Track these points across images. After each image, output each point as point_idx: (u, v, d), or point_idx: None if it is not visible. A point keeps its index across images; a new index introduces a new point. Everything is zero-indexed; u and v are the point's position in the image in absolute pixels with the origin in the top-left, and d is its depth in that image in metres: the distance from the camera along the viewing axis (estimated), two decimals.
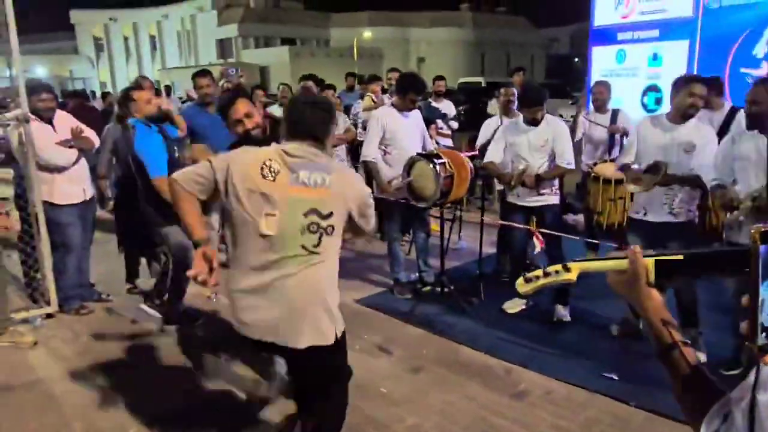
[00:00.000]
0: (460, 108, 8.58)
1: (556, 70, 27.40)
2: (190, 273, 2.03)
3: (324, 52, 45.83)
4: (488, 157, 4.44)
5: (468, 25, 52.81)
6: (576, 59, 31.47)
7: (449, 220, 5.19)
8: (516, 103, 5.19)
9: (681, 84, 3.53)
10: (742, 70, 5.57)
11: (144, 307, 4.47)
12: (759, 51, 5.44)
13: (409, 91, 4.60)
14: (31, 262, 4.62)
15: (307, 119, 2.21)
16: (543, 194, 4.26)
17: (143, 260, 5.09)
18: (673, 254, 0.99)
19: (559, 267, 1.11)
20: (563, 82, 23.14)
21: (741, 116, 4.86)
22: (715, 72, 5.22)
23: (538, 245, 3.99)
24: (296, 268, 2.11)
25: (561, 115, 7.39)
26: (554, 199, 4.31)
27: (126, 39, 52.08)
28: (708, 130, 3.62)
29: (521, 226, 4.36)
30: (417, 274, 5.03)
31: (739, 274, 0.90)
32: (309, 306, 2.15)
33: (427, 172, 4.26)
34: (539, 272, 1.14)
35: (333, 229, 2.15)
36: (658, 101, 6.10)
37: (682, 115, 3.52)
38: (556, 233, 4.17)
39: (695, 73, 5.78)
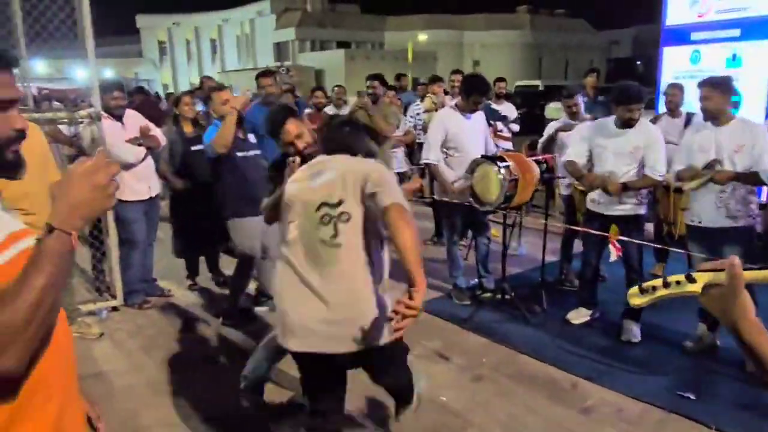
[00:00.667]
0: (519, 112, 8.36)
1: (617, 74, 26.47)
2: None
3: (378, 54, 45.99)
4: (570, 156, 4.15)
5: (525, 27, 51.90)
6: (638, 62, 30.35)
7: (510, 225, 5.04)
8: (582, 110, 4.98)
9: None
10: None
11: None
12: None
13: (474, 92, 4.49)
14: (99, 256, 4.78)
15: (336, 138, 2.42)
16: (627, 204, 3.94)
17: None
18: None
19: (681, 277, 1.00)
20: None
21: None
22: None
23: (614, 253, 3.77)
24: (323, 265, 2.15)
25: None
26: (640, 210, 3.99)
27: (188, 42, 53.82)
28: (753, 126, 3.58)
29: (595, 232, 4.07)
30: (476, 280, 4.90)
31: None
32: (347, 305, 2.15)
33: (490, 175, 4.13)
34: (658, 282, 1.03)
35: (348, 216, 2.16)
36: (736, 104, 5.75)
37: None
38: (637, 241, 3.89)
39: None
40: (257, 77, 5.09)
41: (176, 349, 3.98)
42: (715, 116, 3.53)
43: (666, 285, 1.02)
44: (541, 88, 23.32)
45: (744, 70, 5.73)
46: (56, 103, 8.12)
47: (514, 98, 16.65)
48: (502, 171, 4.04)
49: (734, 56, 5.81)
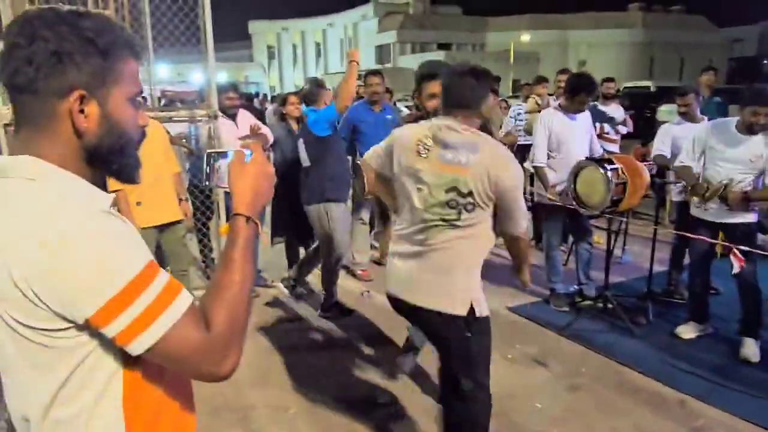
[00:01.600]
0: (627, 113, 7.95)
1: (741, 74, 24.45)
2: None
3: (479, 56, 45.51)
4: (681, 160, 3.94)
5: (637, 25, 49.24)
6: (765, 62, 27.86)
7: (614, 231, 4.81)
8: (696, 109, 4.65)
9: None
10: None
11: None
12: None
13: (580, 92, 4.34)
14: (208, 244, 5.13)
15: (457, 89, 2.28)
16: (734, 210, 3.66)
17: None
18: None
19: None
20: (749, 86, 20.59)
21: None
22: None
23: (737, 265, 3.49)
24: (437, 238, 2.25)
25: None
26: (751, 217, 3.69)
27: (294, 47, 56.16)
28: None
29: (709, 239, 3.81)
30: (576, 287, 4.73)
31: None
32: (444, 273, 2.25)
33: (596, 178, 3.97)
34: None
35: (473, 206, 2.20)
36: None
37: None
38: (756, 251, 3.57)
39: None
40: (365, 76, 5.23)
41: (276, 338, 4.17)
42: None
43: None
44: (652, 90, 21.99)
45: None
46: (179, 104, 8.79)
47: (623, 99, 15.90)
48: (609, 173, 3.87)
49: None
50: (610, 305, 4.31)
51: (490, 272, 5.26)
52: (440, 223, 2.23)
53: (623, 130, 6.75)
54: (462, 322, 2.24)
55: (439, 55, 44.22)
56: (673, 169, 4.23)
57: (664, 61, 46.81)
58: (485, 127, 2.50)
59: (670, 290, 4.76)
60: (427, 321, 2.35)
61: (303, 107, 4.58)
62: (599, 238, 5.20)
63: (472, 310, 2.24)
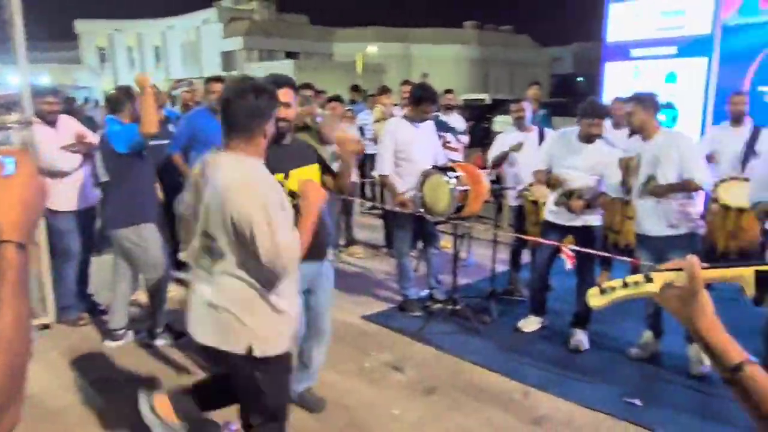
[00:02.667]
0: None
1: (561, 88, 27.48)
2: None
3: (328, 66, 46.04)
4: (534, 166, 4.26)
5: (472, 42, 53.13)
6: (580, 78, 31.54)
7: (460, 235, 5.05)
8: (528, 118, 5.06)
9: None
10: (760, 88, 5.47)
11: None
12: None
13: (423, 101, 4.48)
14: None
15: (234, 111, 2.04)
16: (587, 215, 3.97)
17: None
18: None
19: (640, 277, 1.00)
20: (568, 100, 23.14)
21: (765, 134, 4.80)
22: (733, 89, 5.11)
23: (568, 262, 3.80)
24: (208, 273, 2.13)
25: None
26: (596, 221, 4.06)
27: (130, 49, 52.30)
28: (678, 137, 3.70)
29: (547, 242, 4.13)
30: (427, 291, 4.88)
31: None
32: (218, 308, 2.10)
33: (441, 186, 4.12)
34: (617, 282, 1.03)
35: (222, 251, 2.05)
36: (675, 119, 6.00)
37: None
38: (591, 252, 3.94)
39: (713, 91, 5.70)
40: (206, 82, 4.96)
41: (112, 369, 3.75)
42: (641, 131, 3.65)
43: (625, 285, 1.02)
44: (488, 102, 23.78)
45: (680, 87, 5.98)
46: None
47: (462, 111, 16.98)
48: (453, 181, 4.04)
49: (671, 73, 6.05)
50: (458, 307, 4.50)
51: (344, 282, 5.32)
52: (205, 259, 2.13)
53: (465, 139, 7.17)
54: (241, 360, 2.11)
55: (287, 64, 43.97)
56: (532, 174, 4.48)
57: (497, 76, 50.99)
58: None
59: (510, 289, 5.10)
60: (214, 357, 2.26)
61: (107, 115, 4.10)
62: (447, 242, 5.42)
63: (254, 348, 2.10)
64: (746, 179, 4.36)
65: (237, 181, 2.00)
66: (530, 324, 4.34)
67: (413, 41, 52.10)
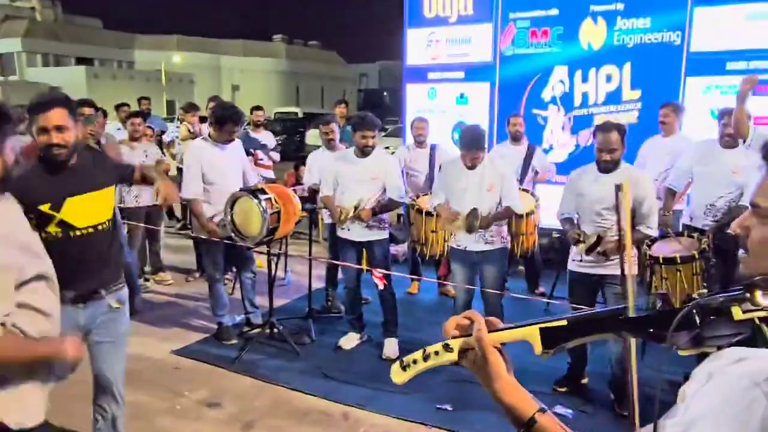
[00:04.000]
0: (278, 139, 8.49)
1: (368, 103, 28.81)
2: None
3: (127, 74, 42.61)
4: (323, 191, 4.37)
5: (282, 56, 53.29)
6: (385, 93, 33.37)
7: (275, 254, 4.97)
8: (338, 138, 5.16)
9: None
10: (533, 111, 6.25)
11: None
12: (546, 95, 6.15)
13: (227, 121, 4.33)
14: None
15: None
16: (372, 228, 4.19)
17: None
18: (557, 320, 0.94)
19: (439, 347, 1.01)
20: (375, 114, 24.33)
21: (539, 152, 5.49)
22: (511, 111, 5.77)
23: (380, 284, 3.94)
24: None
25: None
26: (383, 234, 4.28)
27: None
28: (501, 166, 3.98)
29: (353, 265, 4.29)
30: (243, 316, 4.71)
31: (618, 332, 0.89)
32: None
33: (251, 209, 4.00)
34: (418, 354, 1.02)
35: None
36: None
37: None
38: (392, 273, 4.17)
39: (495, 113, 6.38)
40: None
41: None
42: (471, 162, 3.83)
43: (425, 358, 1.02)
44: (300, 115, 23.99)
45: (469, 107, 6.59)
46: None
47: (274, 125, 16.90)
48: (263, 204, 3.95)
49: (462, 95, 6.64)
50: (276, 330, 4.41)
51: (152, 314, 4.90)
52: None
53: (276, 156, 7.11)
54: None
55: (78, 70, 39.86)
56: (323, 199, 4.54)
57: (308, 90, 51.78)
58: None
59: (328, 306, 5.14)
60: None
61: None
62: (261, 262, 5.30)
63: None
64: (525, 190, 4.95)
65: None
66: (350, 341, 4.41)
67: (222, 52, 50.67)
